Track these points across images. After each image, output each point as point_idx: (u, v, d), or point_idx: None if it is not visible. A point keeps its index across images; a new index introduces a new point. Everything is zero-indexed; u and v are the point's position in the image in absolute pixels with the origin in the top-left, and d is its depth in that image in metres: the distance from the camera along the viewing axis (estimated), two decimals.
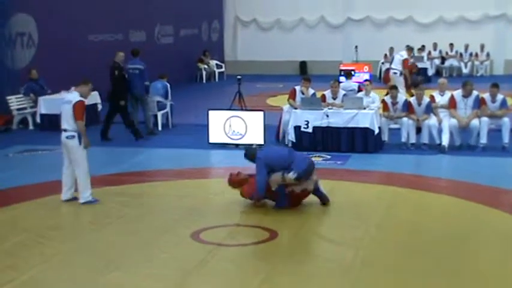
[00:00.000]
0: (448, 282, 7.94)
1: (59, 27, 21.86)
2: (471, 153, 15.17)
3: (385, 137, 16.06)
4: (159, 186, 12.68)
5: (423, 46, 33.27)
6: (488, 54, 33.68)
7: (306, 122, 15.61)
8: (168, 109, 19.22)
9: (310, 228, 10.04)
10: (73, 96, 11.45)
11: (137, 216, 10.83)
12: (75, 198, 11.45)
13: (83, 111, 11.25)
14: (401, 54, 22.83)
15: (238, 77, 19.20)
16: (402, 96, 16.09)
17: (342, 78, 22.05)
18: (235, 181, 11.20)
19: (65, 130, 11.27)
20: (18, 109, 19.70)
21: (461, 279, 8.01)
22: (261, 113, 16.09)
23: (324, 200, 11.12)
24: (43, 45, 21.11)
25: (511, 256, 8.87)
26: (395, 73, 22.36)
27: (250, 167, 11.20)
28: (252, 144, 11.48)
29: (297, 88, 16.80)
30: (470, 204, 11.20)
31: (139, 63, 18.67)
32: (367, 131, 15.35)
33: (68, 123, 11.25)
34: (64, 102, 11.44)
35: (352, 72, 22.94)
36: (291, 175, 10.61)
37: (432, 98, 16.12)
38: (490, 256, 8.90)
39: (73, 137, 11.21)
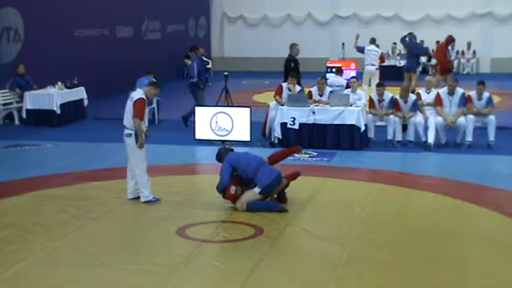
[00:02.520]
0: (434, 278, 7.96)
1: (45, 21, 21.76)
2: (457, 151, 15.24)
3: (371, 134, 16.09)
4: None
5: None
6: (474, 53, 33.80)
7: (293, 119, 15.62)
8: (154, 105, 19.19)
9: (296, 225, 10.04)
10: (136, 93, 11.17)
11: (122, 212, 10.81)
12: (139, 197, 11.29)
13: (143, 109, 10.94)
14: (374, 49, 23.79)
15: (225, 73, 19.16)
16: (389, 93, 16.14)
17: (329, 75, 22.06)
18: (231, 198, 11.02)
19: (125, 127, 11.11)
20: (4, 104, 19.59)
21: (446, 276, 8.04)
22: (248, 109, 16.06)
23: (283, 200, 11.04)
24: (29, 40, 21.01)
25: (496, 253, 8.91)
26: (377, 69, 23.52)
27: None
28: (226, 145, 11.44)
29: (284, 85, 16.83)
30: (455, 202, 11.25)
31: (194, 59, 18.70)
32: (353, 128, 15.38)
33: (127, 120, 11.05)
34: (128, 99, 11.18)
35: (342, 68, 23.03)
36: (256, 190, 10.64)
37: (418, 95, 16.18)
38: (475, 253, 8.95)
39: (130, 135, 11.02)
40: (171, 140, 16.69)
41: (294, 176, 11.16)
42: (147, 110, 11.15)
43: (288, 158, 13.99)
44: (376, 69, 23.58)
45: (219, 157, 11.13)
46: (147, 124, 11.25)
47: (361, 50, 24.28)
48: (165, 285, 7.84)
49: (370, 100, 16.21)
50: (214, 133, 15.95)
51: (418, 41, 25.36)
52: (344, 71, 22.94)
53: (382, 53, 24.31)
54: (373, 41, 24.47)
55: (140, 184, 11.16)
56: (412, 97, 15.91)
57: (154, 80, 19.00)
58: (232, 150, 11.24)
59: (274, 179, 10.69)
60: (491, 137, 15.52)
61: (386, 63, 30.59)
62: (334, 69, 22.99)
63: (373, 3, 34.57)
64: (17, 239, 9.41)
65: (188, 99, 19.11)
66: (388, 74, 28.33)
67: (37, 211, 10.74)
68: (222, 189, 10.80)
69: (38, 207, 10.99)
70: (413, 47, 23.99)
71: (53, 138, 16.88)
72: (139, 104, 10.91)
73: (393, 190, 12.11)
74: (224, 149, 11.24)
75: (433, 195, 11.73)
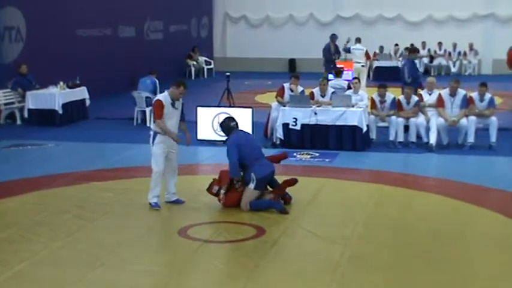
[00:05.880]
0: (435, 279, 7.97)
1: (47, 21, 21.78)
2: (459, 152, 15.24)
3: (373, 135, 16.09)
4: (146, 182, 12.61)
5: (412, 45, 33.40)
6: (476, 53, 33.78)
7: (295, 120, 15.62)
8: None
9: (297, 225, 10.04)
10: (159, 95, 11.11)
11: (124, 212, 10.81)
12: (177, 201, 11.14)
13: (160, 110, 10.70)
14: (359, 48, 25.55)
15: (227, 73, 19.18)
16: (390, 94, 16.15)
17: (331, 76, 22.08)
18: (212, 194, 11.12)
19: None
20: (6, 104, 19.61)
21: (448, 277, 8.04)
22: (250, 110, 16.10)
23: (287, 199, 11.04)
24: (31, 40, 21.02)
25: (497, 253, 8.91)
26: (363, 66, 25.14)
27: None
28: (231, 118, 11.41)
29: (286, 85, 16.85)
30: (457, 203, 11.25)
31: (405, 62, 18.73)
32: (355, 129, 15.38)
33: (151, 121, 11.00)
34: None
35: (341, 70, 23.01)
36: (250, 186, 10.69)
37: (420, 96, 16.18)
38: (476, 254, 8.96)
39: (150, 135, 10.93)
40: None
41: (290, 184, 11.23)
42: (169, 111, 10.79)
43: (290, 158, 14.06)
44: (362, 66, 25.06)
45: (225, 130, 11.11)
46: (171, 126, 10.89)
47: (347, 50, 25.98)
48: (166, 286, 7.84)
49: (372, 101, 16.21)
50: (216, 133, 15.97)
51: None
52: (345, 72, 22.92)
53: (366, 50, 25.85)
54: (358, 40, 26.19)
55: (151, 184, 10.96)
56: (415, 98, 15.93)
57: (157, 80, 19.17)
58: (235, 121, 11.15)
59: (269, 174, 10.83)
60: (493, 138, 15.51)
61: (388, 63, 30.70)
62: (331, 71, 23.16)
63: (376, 4, 34.58)
64: (19, 238, 9.43)
65: (190, 100, 19.03)
66: (389, 75, 28.41)
67: (39, 211, 10.75)
68: (234, 172, 10.76)
69: (40, 207, 11.00)
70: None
71: (55, 138, 16.89)
72: (154, 106, 10.85)
73: (395, 191, 12.11)
74: (228, 121, 11.17)
75: (434, 196, 11.73)
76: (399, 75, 28.91)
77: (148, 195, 10.93)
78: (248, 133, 11.50)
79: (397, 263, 8.54)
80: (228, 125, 11.11)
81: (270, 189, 11.00)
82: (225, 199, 10.88)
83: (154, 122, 10.86)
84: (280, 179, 11.15)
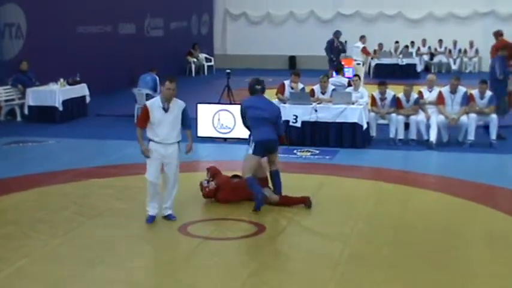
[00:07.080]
0: (435, 277, 7.97)
1: (47, 18, 21.76)
2: (459, 150, 15.23)
3: (373, 132, 16.08)
4: (146, 179, 12.64)
5: (412, 42, 33.44)
6: (477, 51, 33.74)
7: (295, 117, 15.62)
8: None
9: (297, 223, 10.05)
10: (149, 100, 10.46)
11: (124, 209, 10.80)
12: (169, 216, 10.18)
13: (142, 117, 10.02)
14: (357, 46, 26.30)
15: (228, 70, 19.18)
16: (391, 91, 16.14)
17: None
18: (209, 194, 11.11)
19: None
20: (6, 100, 19.59)
21: (448, 276, 8.04)
22: None
23: (276, 191, 10.88)
24: (31, 37, 21.00)
25: (497, 251, 8.92)
26: (358, 64, 25.21)
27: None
28: (259, 81, 11.09)
29: (286, 82, 16.87)
30: (457, 200, 11.25)
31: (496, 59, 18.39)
32: (355, 126, 15.38)
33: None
34: None
35: (342, 67, 23.02)
36: (250, 150, 10.72)
37: (420, 94, 16.17)
38: (476, 251, 8.96)
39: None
40: None
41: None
42: (158, 116, 9.95)
43: (290, 156, 14.08)
44: (358, 63, 25.16)
45: (249, 89, 11.16)
46: (162, 134, 10.06)
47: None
48: (166, 283, 7.85)
49: (372, 98, 16.20)
50: (217, 130, 15.98)
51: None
52: (346, 69, 22.90)
53: (364, 47, 26.31)
54: (360, 38, 26.85)
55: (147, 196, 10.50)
56: (414, 95, 15.92)
57: (157, 77, 19.11)
58: (261, 86, 11.03)
59: (267, 140, 10.63)
60: (493, 135, 15.51)
61: (388, 61, 30.68)
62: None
63: (376, 2, 34.56)
64: (19, 235, 9.43)
65: (190, 97, 19.03)
66: (389, 72, 28.45)
67: (39, 208, 10.75)
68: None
69: (40, 204, 11.01)
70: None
71: (55, 135, 16.89)
72: (141, 112, 10.37)
73: (395, 188, 12.11)
74: (254, 83, 11.08)
75: (434, 193, 11.73)
76: (400, 72, 29.24)
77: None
78: (265, 101, 10.97)
79: (396, 260, 8.54)
80: (252, 87, 11.02)
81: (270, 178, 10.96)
82: (220, 195, 10.90)
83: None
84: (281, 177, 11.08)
